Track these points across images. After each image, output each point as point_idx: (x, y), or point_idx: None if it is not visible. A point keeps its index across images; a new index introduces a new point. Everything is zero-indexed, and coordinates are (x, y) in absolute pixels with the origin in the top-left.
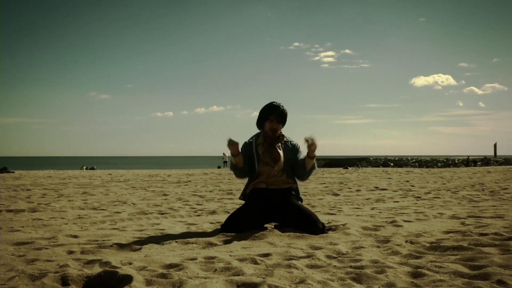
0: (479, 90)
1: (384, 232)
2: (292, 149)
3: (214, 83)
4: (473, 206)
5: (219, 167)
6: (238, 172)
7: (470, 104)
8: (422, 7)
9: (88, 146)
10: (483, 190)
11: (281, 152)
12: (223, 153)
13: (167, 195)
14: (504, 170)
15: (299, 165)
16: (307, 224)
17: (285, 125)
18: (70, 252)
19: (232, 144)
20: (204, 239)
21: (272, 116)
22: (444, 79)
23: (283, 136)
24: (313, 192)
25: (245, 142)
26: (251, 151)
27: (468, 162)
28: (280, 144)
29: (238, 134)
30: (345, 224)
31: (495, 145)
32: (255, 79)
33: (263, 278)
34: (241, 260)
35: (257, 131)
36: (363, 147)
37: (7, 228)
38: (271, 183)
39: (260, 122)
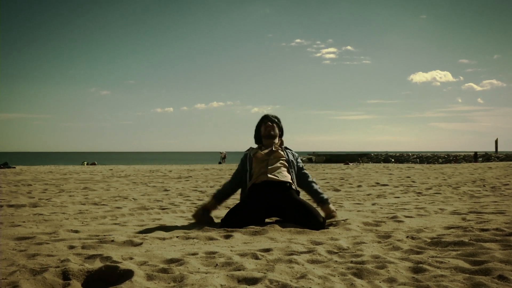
0: (478, 86)
1: (385, 227)
2: (292, 154)
3: (214, 79)
4: (474, 202)
5: (219, 163)
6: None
7: (469, 100)
8: (424, 4)
9: (88, 142)
10: (484, 186)
11: (282, 152)
12: (220, 152)
13: (168, 190)
14: (505, 166)
15: (304, 178)
16: (308, 219)
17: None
18: (71, 247)
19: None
20: (205, 234)
21: (265, 120)
22: (442, 75)
23: (282, 141)
24: None
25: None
26: (245, 162)
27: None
28: (279, 147)
29: (237, 129)
30: (346, 219)
31: (496, 141)
32: (255, 75)
33: (264, 273)
34: (242, 255)
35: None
36: (364, 143)
37: (8, 223)
38: (272, 170)
39: (257, 131)
